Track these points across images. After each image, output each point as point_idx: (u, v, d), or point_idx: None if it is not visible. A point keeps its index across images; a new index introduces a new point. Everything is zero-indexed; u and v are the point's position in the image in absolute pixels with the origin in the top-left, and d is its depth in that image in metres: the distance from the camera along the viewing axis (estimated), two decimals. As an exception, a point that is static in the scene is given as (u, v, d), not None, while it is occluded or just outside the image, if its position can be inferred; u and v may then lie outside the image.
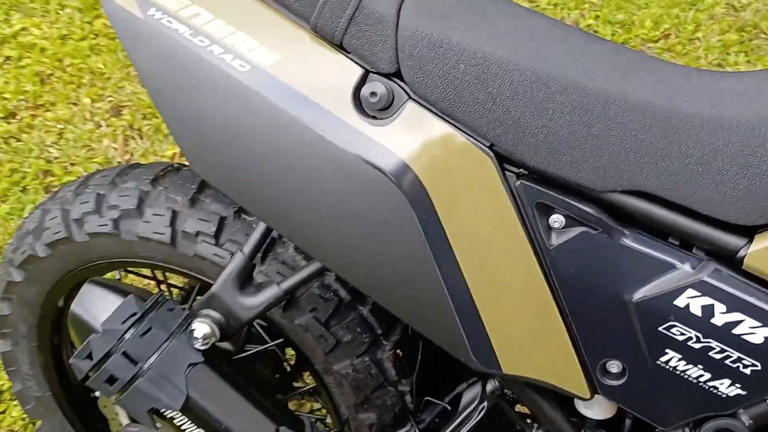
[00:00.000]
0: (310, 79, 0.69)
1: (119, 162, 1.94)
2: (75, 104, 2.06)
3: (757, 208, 0.64)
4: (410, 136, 0.68)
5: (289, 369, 1.17)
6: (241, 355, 1.03)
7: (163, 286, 1.18)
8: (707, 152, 0.65)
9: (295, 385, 1.21)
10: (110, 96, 2.07)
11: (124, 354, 0.78)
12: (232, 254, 0.87)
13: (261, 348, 1.04)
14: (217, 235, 0.91)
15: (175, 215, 0.92)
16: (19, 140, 1.98)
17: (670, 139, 0.65)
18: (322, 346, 0.92)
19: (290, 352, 1.18)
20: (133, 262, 0.98)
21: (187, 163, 1.04)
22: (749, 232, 0.66)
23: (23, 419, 1.49)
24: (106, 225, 0.94)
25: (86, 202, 0.96)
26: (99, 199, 0.96)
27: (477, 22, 0.70)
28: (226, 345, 0.94)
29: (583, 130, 0.66)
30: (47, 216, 1.00)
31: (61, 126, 2.01)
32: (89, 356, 0.78)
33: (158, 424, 0.83)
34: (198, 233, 0.90)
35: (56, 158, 1.94)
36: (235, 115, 0.70)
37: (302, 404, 1.46)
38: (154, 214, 0.92)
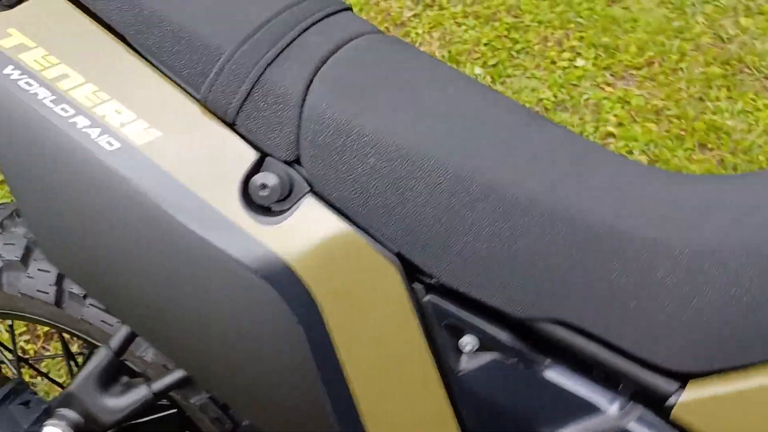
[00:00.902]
0: (192, 163, 0.58)
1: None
2: None
3: (691, 354, 0.56)
4: (303, 238, 0.58)
5: None
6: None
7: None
8: (643, 284, 0.56)
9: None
10: None
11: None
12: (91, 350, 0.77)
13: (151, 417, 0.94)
14: None
15: (62, 274, 0.82)
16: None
17: (603, 265, 0.56)
18: (219, 428, 0.83)
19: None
20: (20, 316, 0.88)
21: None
22: (682, 379, 0.57)
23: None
24: (-15, 275, 0.84)
25: (-32, 246, 0.86)
26: (-18, 244, 0.86)
27: (400, 105, 0.60)
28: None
29: (504, 248, 0.57)
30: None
31: None
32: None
33: None
34: (86, 296, 0.81)
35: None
36: (96, 203, 0.59)
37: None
38: (39, 270, 0.82)
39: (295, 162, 0.59)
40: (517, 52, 2.23)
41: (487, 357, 0.60)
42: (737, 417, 0.55)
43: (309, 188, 0.59)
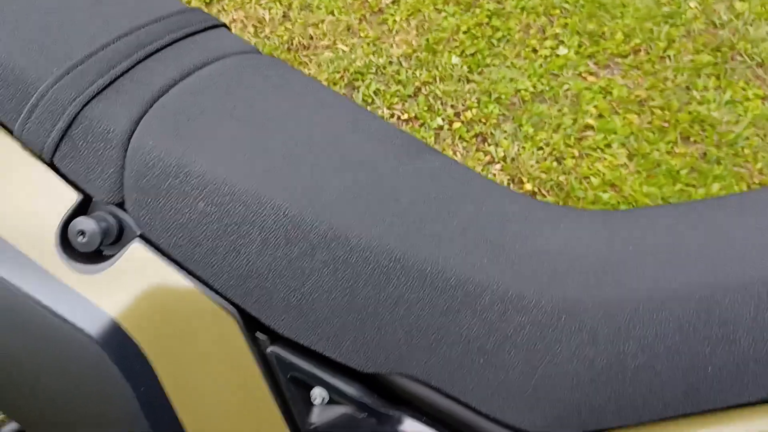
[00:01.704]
0: (6, 209, 0.54)
1: None
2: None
3: (542, 415, 0.51)
4: (129, 287, 0.54)
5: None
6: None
7: None
8: (493, 339, 0.51)
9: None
10: None
11: None
12: None
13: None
14: None
15: None
16: None
17: (450, 318, 0.52)
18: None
19: None
20: None
21: None
22: (538, 438, 0.53)
23: None
24: None
25: None
26: None
27: (242, 142, 0.55)
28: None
29: (345, 300, 0.52)
30: None
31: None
32: None
33: None
34: None
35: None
36: None
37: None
38: None
39: (120, 204, 0.55)
40: (498, 40, 2.16)
41: (338, 410, 0.56)
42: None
43: (138, 232, 0.54)
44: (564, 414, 0.50)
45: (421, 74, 2.05)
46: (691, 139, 1.92)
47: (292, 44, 2.17)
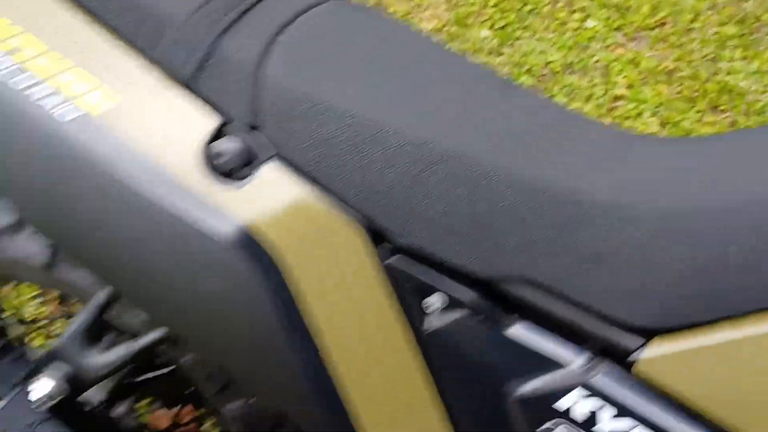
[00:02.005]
0: (151, 131, 0.59)
1: None
2: None
3: (654, 310, 0.56)
4: (266, 202, 0.59)
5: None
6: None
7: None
8: (606, 246, 0.56)
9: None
10: None
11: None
12: (84, 306, 0.80)
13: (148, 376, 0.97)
14: None
15: None
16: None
17: (564, 229, 0.56)
18: (213, 385, 0.85)
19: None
20: (13, 278, 0.91)
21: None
22: (645, 335, 0.58)
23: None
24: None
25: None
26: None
27: (359, 73, 0.61)
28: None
29: (465, 209, 0.57)
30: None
31: None
32: None
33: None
34: None
35: None
36: (61, 174, 0.59)
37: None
38: (33, 233, 0.85)
39: (256, 127, 0.60)
40: (527, 13, 2.20)
41: (453, 316, 0.61)
42: (699, 372, 0.56)
43: (273, 152, 0.59)
44: (675, 309, 0.55)
45: (452, 48, 2.10)
46: (720, 108, 1.96)
47: (324, 20, 2.21)
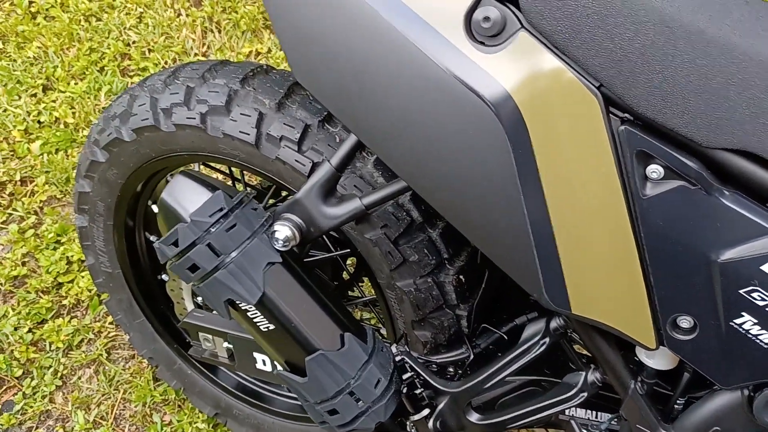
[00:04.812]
0: None
1: (196, 54, 1.95)
2: (157, -11, 2.05)
3: None
4: (517, 67, 0.67)
5: (347, 278, 1.20)
6: (307, 260, 1.06)
7: (239, 185, 1.20)
8: None
9: (350, 294, 1.25)
10: (192, -16, 2.06)
11: (209, 245, 0.81)
12: (314, 163, 0.88)
13: (327, 255, 1.06)
14: (300, 141, 0.91)
15: (261, 117, 0.92)
16: (99, 19, 2.00)
17: None
18: (388, 262, 0.94)
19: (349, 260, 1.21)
20: (214, 158, 1.00)
21: (275, 67, 1.04)
22: None
23: (89, 290, 1.57)
24: (193, 118, 0.95)
25: (176, 93, 0.97)
26: (188, 92, 0.97)
27: None
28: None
29: (701, 82, 0.64)
30: (136, 102, 1.02)
31: (141, 10, 2.02)
32: (175, 243, 0.82)
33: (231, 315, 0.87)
34: (282, 138, 0.91)
35: (134, 42, 1.96)
36: (344, 27, 0.70)
37: (354, 313, 1.51)
38: (242, 114, 0.93)
39: (509, 1, 0.67)
40: None
41: (671, 184, 0.68)
42: None
43: (520, 25, 0.67)
44: None
45: None
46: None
47: None
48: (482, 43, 0.67)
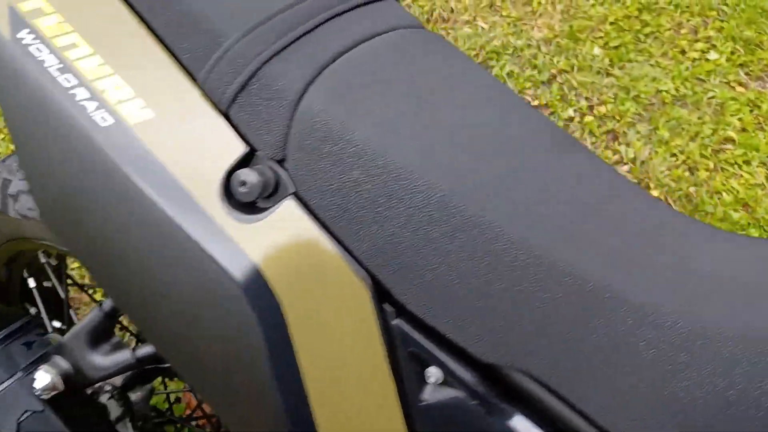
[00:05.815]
0: (180, 149, 0.57)
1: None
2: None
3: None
4: (277, 240, 0.56)
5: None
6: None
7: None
8: (622, 351, 0.50)
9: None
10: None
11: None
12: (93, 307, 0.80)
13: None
14: None
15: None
16: None
17: (582, 324, 0.51)
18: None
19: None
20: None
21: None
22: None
23: None
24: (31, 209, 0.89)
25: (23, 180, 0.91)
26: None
27: (403, 116, 0.56)
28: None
29: (479, 285, 0.53)
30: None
31: None
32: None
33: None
34: None
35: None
36: (84, 175, 0.59)
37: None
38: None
39: (282, 161, 0.57)
40: (645, 36, 2.07)
41: (450, 393, 0.57)
42: None
43: (292, 191, 0.57)
44: None
45: (558, 61, 2.00)
46: (844, 170, 1.78)
47: (432, 16, 2.16)
48: (241, 209, 0.57)
